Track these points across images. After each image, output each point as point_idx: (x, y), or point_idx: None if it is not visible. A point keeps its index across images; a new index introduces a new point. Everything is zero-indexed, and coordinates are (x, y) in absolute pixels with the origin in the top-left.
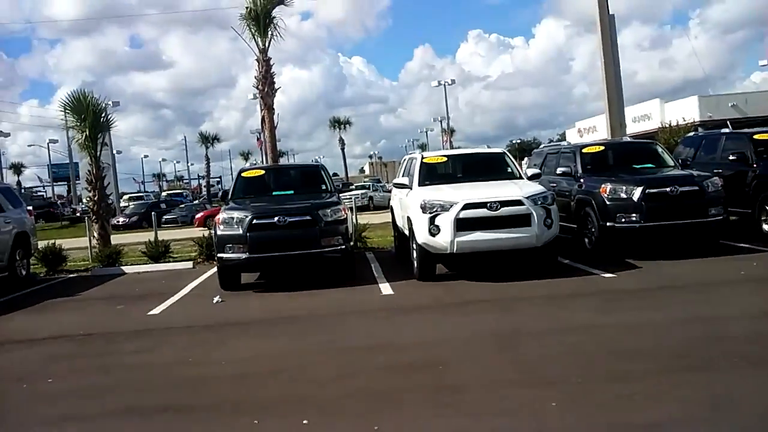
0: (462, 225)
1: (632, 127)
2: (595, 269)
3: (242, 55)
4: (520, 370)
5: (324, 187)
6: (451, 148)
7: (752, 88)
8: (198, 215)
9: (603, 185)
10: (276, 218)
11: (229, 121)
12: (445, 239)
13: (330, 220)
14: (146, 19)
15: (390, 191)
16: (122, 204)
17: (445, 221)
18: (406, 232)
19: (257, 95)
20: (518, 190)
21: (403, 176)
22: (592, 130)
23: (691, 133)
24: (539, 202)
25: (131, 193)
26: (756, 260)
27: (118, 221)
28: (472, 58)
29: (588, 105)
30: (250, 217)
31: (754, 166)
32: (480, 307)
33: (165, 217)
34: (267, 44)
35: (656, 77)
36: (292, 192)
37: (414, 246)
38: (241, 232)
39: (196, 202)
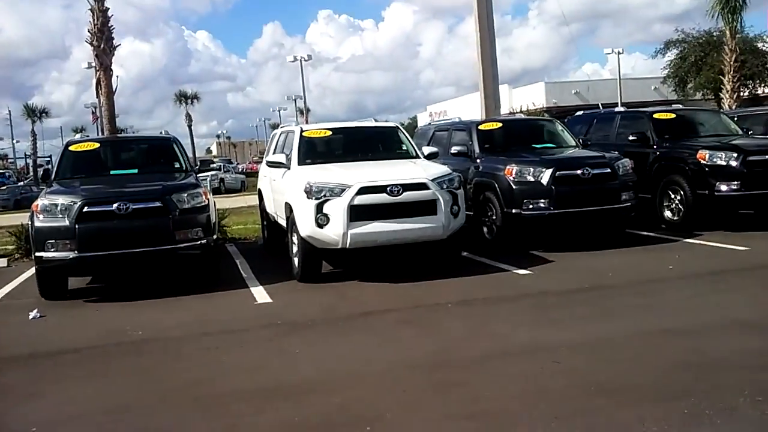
0: (357, 213)
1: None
2: (504, 263)
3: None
4: (479, 424)
5: (177, 165)
6: None
7: (583, 78)
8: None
9: (508, 167)
10: (115, 205)
11: (61, 95)
12: (336, 231)
13: (187, 208)
14: None
15: (243, 173)
16: None
17: (336, 209)
18: (281, 221)
19: (92, 53)
20: (421, 171)
21: (275, 153)
22: (442, 114)
23: (580, 113)
24: (445, 186)
25: None
26: (675, 251)
27: None
28: (323, 38)
29: (435, 90)
30: (79, 203)
31: (654, 147)
32: (387, 321)
33: None
34: None
35: (498, 65)
36: (135, 171)
37: (294, 239)
38: (67, 223)
39: (21, 183)
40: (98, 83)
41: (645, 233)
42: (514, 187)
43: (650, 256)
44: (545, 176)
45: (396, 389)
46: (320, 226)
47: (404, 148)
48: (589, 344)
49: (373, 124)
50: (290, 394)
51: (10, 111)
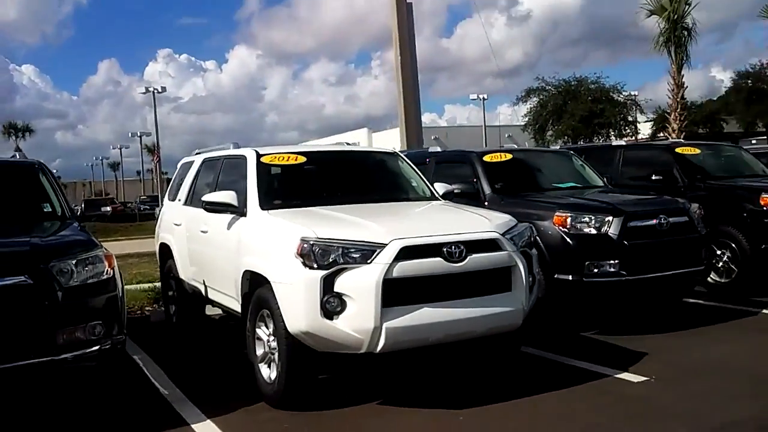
0: (397, 293)
1: None
2: (584, 361)
3: None
4: None
5: (48, 208)
6: (159, 169)
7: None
8: None
9: (558, 213)
10: None
11: None
12: (359, 324)
13: (77, 285)
14: None
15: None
16: None
17: (361, 286)
18: (225, 301)
19: None
20: (483, 220)
21: (187, 190)
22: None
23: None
24: (518, 243)
25: None
26: None
27: None
28: (162, 77)
29: (279, 134)
30: None
31: (683, 189)
32: None
33: None
34: None
35: (341, 111)
36: None
37: (267, 335)
38: None
39: None
40: None
41: (693, 301)
42: (570, 242)
43: (761, 341)
44: (613, 227)
45: None
46: (329, 315)
47: (413, 183)
48: None
49: (364, 148)
50: None
51: None
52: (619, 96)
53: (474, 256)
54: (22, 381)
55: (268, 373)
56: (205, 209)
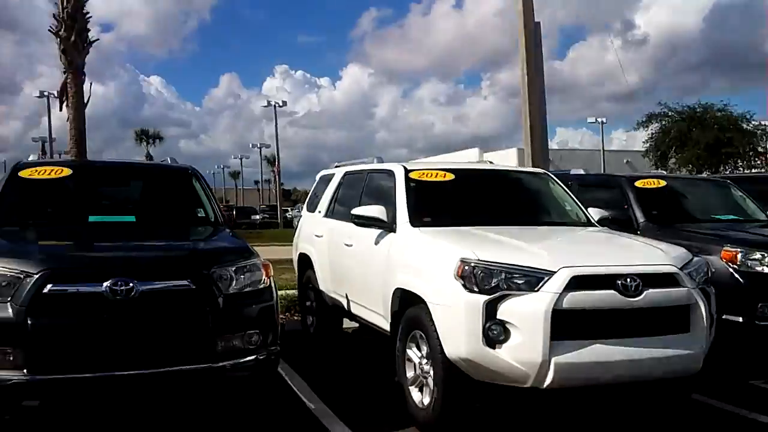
0: (568, 325)
1: None
2: (756, 413)
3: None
4: None
5: (202, 213)
6: (279, 180)
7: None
8: None
9: (726, 248)
10: (106, 283)
11: (7, 130)
12: (524, 356)
13: (236, 292)
14: None
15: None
16: None
17: (528, 315)
18: (372, 317)
19: (58, 47)
20: (660, 252)
21: (328, 202)
22: None
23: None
24: (697, 279)
25: None
26: None
27: None
28: (279, 92)
29: (389, 150)
30: (36, 275)
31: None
32: None
33: None
34: None
35: (450, 130)
36: (133, 219)
37: (419, 358)
38: (10, 313)
39: None
40: (63, 90)
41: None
42: (740, 281)
43: None
44: None
45: None
46: (492, 343)
47: (567, 206)
48: None
49: (514, 167)
50: None
51: None
52: (748, 125)
53: (651, 290)
54: (180, 386)
55: (419, 397)
56: (354, 223)
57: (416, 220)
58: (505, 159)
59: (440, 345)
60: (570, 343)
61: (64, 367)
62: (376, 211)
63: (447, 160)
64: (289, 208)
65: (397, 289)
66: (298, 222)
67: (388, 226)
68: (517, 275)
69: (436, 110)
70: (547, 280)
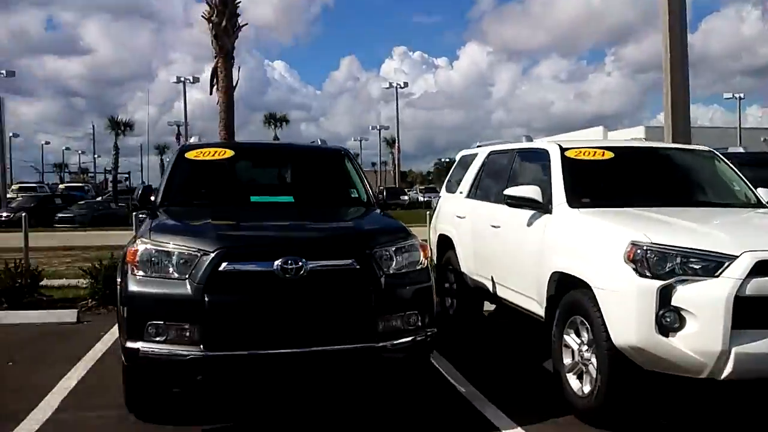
0: (749, 313)
1: None
2: None
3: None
4: None
5: (355, 194)
6: (398, 162)
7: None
8: None
9: None
10: (278, 262)
11: (144, 115)
12: (701, 345)
13: (396, 272)
14: (65, 1)
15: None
16: (10, 195)
17: (706, 302)
18: (519, 299)
19: (209, 31)
20: None
21: (470, 182)
22: None
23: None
24: None
25: (26, 182)
26: None
27: (1, 216)
28: (397, 74)
29: (505, 130)
30: (213, 253)
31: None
32: None
33: (59, 214)
34: None
35: (570, 109)
36: (291, 199)
37: (579, 344)
38: (189, 291)
39: (99, 199)
40: (214, 74)
41: None
42: None
43: None
44: None
45: None
46: (665, 331)
47: (735, 187)
48: None
49: (675, 145)
50: None
51: (94, 125)
52: None
53: None
54: (343, 365)
55: (578, 385)
56: (507, 204)
57: (574, 201)
58: (631, 137)
59: (606, 332)
60: (752, 332)
61: (237, 344)
62: (532, 191)
63: (571, 139)
64: (405, 190)
65: (555, 272)
66: (436, 203)
67: (543, 207)
68: (694, 259)
69: (556, 88)
70: (729, 264)
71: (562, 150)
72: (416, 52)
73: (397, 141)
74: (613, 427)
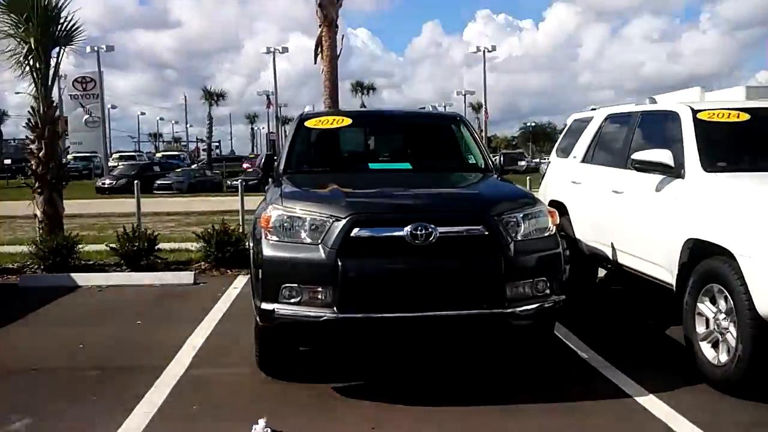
0: None
1: None
2: None
3: (250, 20)
4: None
5: (472, 159)
6: (486, 127)
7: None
8: None
9: None
10: (407, 228)
11: (231, 85)
12: None
13: (524, 239)
14: None
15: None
16: (111, 163)
17: None
18: (642, 266)
19: (316, 2)
20: None
21: (586, 147)
22: None
23: None
24: None
25: (124, 152)
26: None
27: (104, 183)
28: (480, 38)
29: (592, 93)
30: (344, 219)
31: None
32: None
33: (158, 181)
34: None
35: (663, 69)
36: (409, 166)
37: (720, 313)
38: (322, 255)
39: (194, 166)
40: (319, 43)
41: None
42: None
43: None
44: None
45: None
46: None
47: None
48: None
49: None
50: None
51: (186, 96)
52: None
53: None
54: (471, 330)
55: (713, 354)
56: (636, 168)
57: (710, 166)
58: (730, 98)
59: (749, 300)
60: None
61: (369, 306)
62: (664, 155)
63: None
64: (524, 154)
65: (689, 239)
66: (545, 169)
67: (674, 172)
68: None
69: (648, 48)
70: None
71: (694, 112)
72: (500, 15)
73: (484, 106)
74: (751, 396)
